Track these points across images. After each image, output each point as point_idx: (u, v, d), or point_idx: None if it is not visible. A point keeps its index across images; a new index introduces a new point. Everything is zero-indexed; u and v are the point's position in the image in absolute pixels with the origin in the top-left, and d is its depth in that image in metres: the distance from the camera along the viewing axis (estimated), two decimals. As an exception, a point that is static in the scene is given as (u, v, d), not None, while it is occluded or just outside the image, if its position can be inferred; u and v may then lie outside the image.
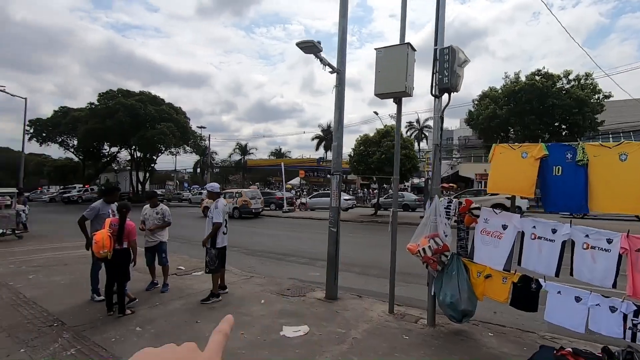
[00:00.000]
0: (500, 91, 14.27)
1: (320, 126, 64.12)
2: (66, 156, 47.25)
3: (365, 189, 44.40)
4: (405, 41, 4.54)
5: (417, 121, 55.89)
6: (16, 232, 11.29)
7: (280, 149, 75.80)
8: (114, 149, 41.46)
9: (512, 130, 15.05)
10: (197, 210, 24.74)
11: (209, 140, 43.61)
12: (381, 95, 4.56)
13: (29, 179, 48.08)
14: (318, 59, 4.89)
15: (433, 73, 4.28)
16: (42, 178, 51.77)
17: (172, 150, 31.55)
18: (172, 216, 6.00)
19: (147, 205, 5.83)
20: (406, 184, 31.97)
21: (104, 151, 41.56)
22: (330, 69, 5.15)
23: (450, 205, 4.21)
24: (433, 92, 4.33)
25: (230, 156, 69.11)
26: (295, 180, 63.45)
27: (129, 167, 44.32)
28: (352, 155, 18.54)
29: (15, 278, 6.55)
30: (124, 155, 44.80)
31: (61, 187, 46.34)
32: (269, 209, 22.21)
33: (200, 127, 43.19)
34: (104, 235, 4.42)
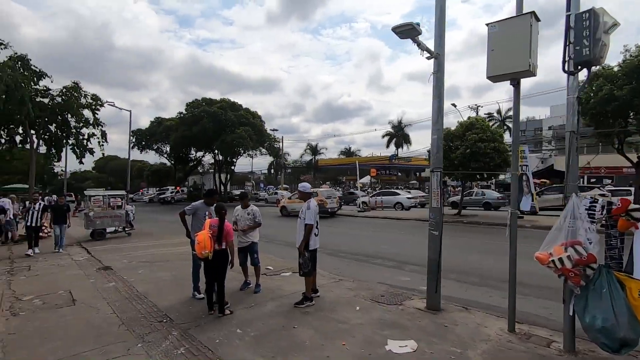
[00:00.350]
0: (618, 68, 12.00)
1: (390, 123, 62.34)
2: (160, 161, 53.26)
3: (442, 186, 41.83)
4: (524, 11, 3.82)
5: (499, 112, 51.09)
6: (125, 229, 12.77)
7: (350, 148, 75.46)
8: (199, 154, 45.51)
9: (632, 114, 12.59)
10: (275, 209, 25.67)
11: (282, 142, 45.34)
12: (496, 77, 3.90)
13: (132, 182, 55.29)
14: (416, 44, 4.40)
15: (566, 45, 3.51)
16: (142, 181, 58.96)
17: (250, 152, 33.38)
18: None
19: (239, 206, 5.93)
20: (491, 181, 29.23)
21: (190, 156, 45.83)
22: (428, 54, 4.62)
23: (595, 206, 3.40)
24: (566, 68, 3.55)
25: (301, 157, 70.77)
26: (365, 179, 62.69)
27: (212, 170, 48.31)
28: (430, 151, 17.38)
29: (128, 272, 7.23)
30: (207, 159, 48.96)
31: (157, 189, 52.32)
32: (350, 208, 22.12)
33: (273, 130, 45.14)
34: (205, 236, 4.52)
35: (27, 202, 10.31)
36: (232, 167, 38.83)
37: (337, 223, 16.92)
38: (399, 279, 6.75)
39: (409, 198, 24.13)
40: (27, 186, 33.82)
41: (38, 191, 13.04)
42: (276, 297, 5.47)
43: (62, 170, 34.90)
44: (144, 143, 43.61)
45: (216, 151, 36.71)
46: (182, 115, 34.72)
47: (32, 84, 11.96)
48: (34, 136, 12.94)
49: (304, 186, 5.35)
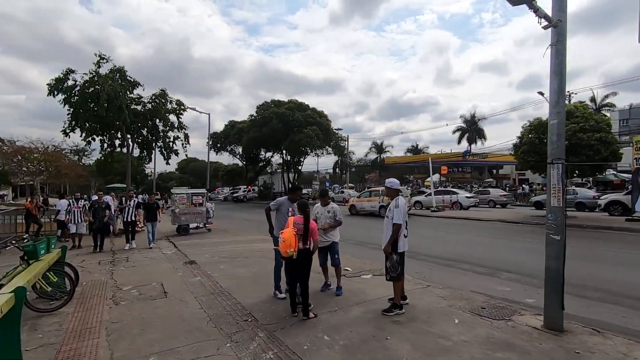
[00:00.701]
0: None
1: (462, 117, 58.47)
2: (234, 162, 56.80)
3: (525, 185, 37.72)
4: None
5: (592, 99, 44.64)
6: (206, 225, 13.53)
7: (417, 145, 72.65)
8: (269, 154, 47.46)
9: None
10: (342, 208, 25.43)
11: (347, 141, 45.04)
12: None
13: (210, 182, 59.89)
14: (532, 10, 3.67)
15: None
16: (217, 181, 63.50)
17: (317, 151, 33.70)
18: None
19: (318, 204, 5.68)
20: (587, 178, 25.40)
21: (261, 156, 48.01)
22: (546, 22, 3.84)
23: None
24: None
25: (366, 155, 69.84)
26: (434, 177, 59.40)
27: (279, 170, 50.07)
28: (519, 144, 15.56)
29: (211, 267, 7.47)
30: (276, 159, 50.84)
31: (231, 188, 55.84)
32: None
33: (337, 129, 45.12)
34: (290, 234, 4.32)
35: (123, 199, 11.41)
36: (299, 167, 39.67)
37: (410, 223, 16.03)
38: (496, 289, 5.92)
39: (467, 197, 23.30)
40: (124, 185, 38.59)
41: (132, 189, 14.40)
42: (360, 301, 5.10)
43: (151, 171, 38.91)
44: (218, 145, 46.77)
45: (284, 151, 37.83)
46: (253, 117, 36.43)
47: (128, 92, 13.26)
48: (129, 140, 14.35)
49: (392, 182, 4.89)
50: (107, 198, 12.28)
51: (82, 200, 11.29)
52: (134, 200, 10.61)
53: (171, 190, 14.86)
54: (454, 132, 58.30)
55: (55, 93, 12.24)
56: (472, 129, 56.99)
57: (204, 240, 11.60)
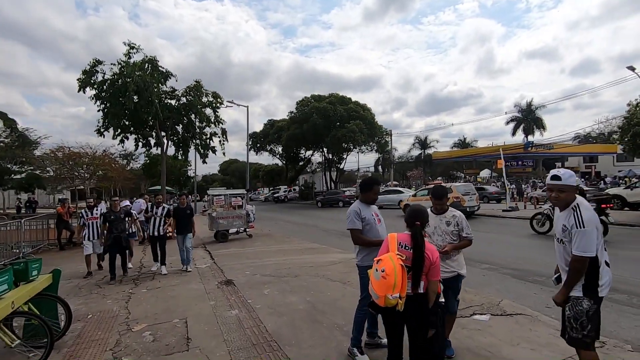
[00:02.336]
0: None
1: (517, 106, 53.59)
2: (273, 162, 56.02)
3: (608, 177, 32.57)
4: None
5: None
6: (246, 230, 11.95)
7: (465, 139, 68.21)
8: (308, 153, 45.96)
9: None
10: (390, 208, 23.10)
11: (391, 136, 42.16)
12: None
13: (250, 182, 59.79)
14: None
15: None
16: (258, 181, 63.24)
17: (362, 148, 31.39)
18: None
19: (429, 210, 3.31)
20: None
21: (301, 155, 46.63)
22: None
23: None
24: None
25: (409, 151, 66.57)
26: (485, 172, 54.91)
27: (319, 169, 48.38)
28: (626, 126, 12.39)
29: (252, 291, 5.68)
30: (315, 157, 49.23)
31: (271, 188, 55.09)
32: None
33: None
34: (395, 264, 2.31)
35: (148, 206, 8.27)
36: (341, 165, 37.56)
37: (483, 226, 13.42)
38: None
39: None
40: (168, 188, 38.97)
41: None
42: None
43: (194, 172, 38.84)
44: (258, 145, 46.02)
45: (325, 149, 36.03)
46: (292, 114, 34.98)
47: (160, 84, 12.02)
48: (164, 137, 13.15)
49: (566, 174, 2.55)
50: (139, 202, 11.07)
51: (97, 209, 7.83)
52: (163, 207, 7.66)
53: (207, 192, 13.54)
54: (507, 122, 53.57)
55: (86, 89, 11.25)
56: (528, 118, 52.02)
57: (244, 248, 9.97)
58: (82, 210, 8.18)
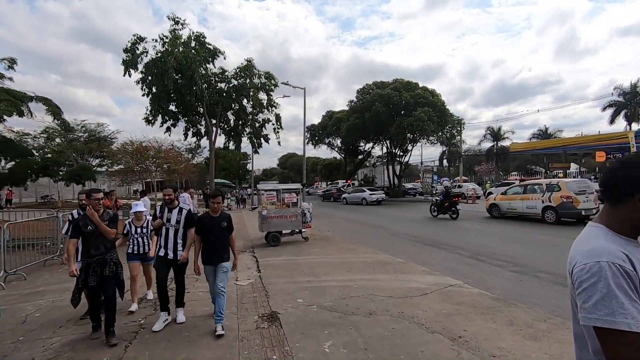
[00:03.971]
0: None
1: (617, 89, 45.23)
2: (332, 156, 54.33)
3: None
4: None
5: None
6: (302, 232, 10.06)
7: (547, 128, 60.13)
8: (368, 146, 43.34)
9: None
10: (470, 208, 19.78)
11: (461, 125, 37.58)
12: None
13: (308, 177, 58.97)
14: None
15: None
16: (316, 175, 62.13)
17: (431, 138, 27.94)
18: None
19: None
20: None
21: (360, 148, 44.20)
22: None
23: None
24: None
25: (479, 143, 60.49)
26: (572, 167, 47.65)
27: (378, 163, 45.42)
28: None
29: (305, 340, 3.64)
30: (376, 151, 46.37)
31: (328, 182, 53.46)
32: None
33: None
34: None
35: (157, 208, 3.89)
36: (405, 158, 34.22)
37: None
38: None
39: (371, 194, 24.99)
40: (227, 182, 39.20)
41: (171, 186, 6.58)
42: None
43: (252, 165, 38.57)
44: (316, 138, 44.53)
45: (388, 141, 33.16)
46: (352, 103, 32.62)
47: (207, 63, 10.56)
48: (212, 125, 11.77)
49: None
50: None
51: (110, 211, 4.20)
52: (181, 211, 4.37)
53: (257, 186, 11.99)
54: (604, 108, 45.49)
55: (131, 72, 10.19)
56: (632, 102, 43.70)
57: (299, 257, 8.05)
58: (73, 212, 4.73)
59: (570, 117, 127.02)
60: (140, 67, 10.24)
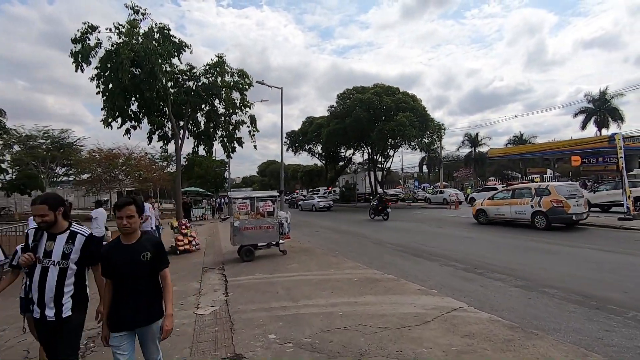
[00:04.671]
0: None
1: (587, 96, 46.97)
2: (313, 163, 53.46)
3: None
4: None
5: None
6: (279, 245, 9.01)
7: (522, 134, 61.66)
8: (349, 152, 42.75)
9: None
10: (453, 214, 19.34)
11: (440, 131, 37.48)
12: None
13: (288, 184, 57.79)
14: None
15: None
16: (296, 182, 60.99)
17: (412, 143, 27.47)
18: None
19: None
20: None
21: (341, 154, 43.54)
22: None
23: None
24: None
25: (457, 149, 61.50)
26: (548, 172, 48.97)
27: (359, 170, 44.88)
28: None
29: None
30: (356, 157, 45.83)
31: (310, 190, 52.44)
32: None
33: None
34: None
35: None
36: (387, 164, 33.68)
37: (591, 243, 9.45)
38: None
39: (319, 200, 27.89)
40: (201, 190, 37.49)
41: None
42: None
43: (229, 173, 37.08)
44: (296, 145, 43.57)
45: (369, 147, 32.59)
46: (332, 108, 31.92)
47: (171, 57, 9.46)
48: (176, 127, 10.61)
49: None
50: (145, 207, 8.55)
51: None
52: (84, 230, 2.63)
53: (228, 194, 10.92)
54: (576, 115, 47.08)
55: (83, 66, 8.92)
56: (602, 109, 45.47)
57: (274, 275, 7.01)
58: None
59: (541, 125, 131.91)
60: (95, 62, 8.95)
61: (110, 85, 9.07)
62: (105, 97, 9.08)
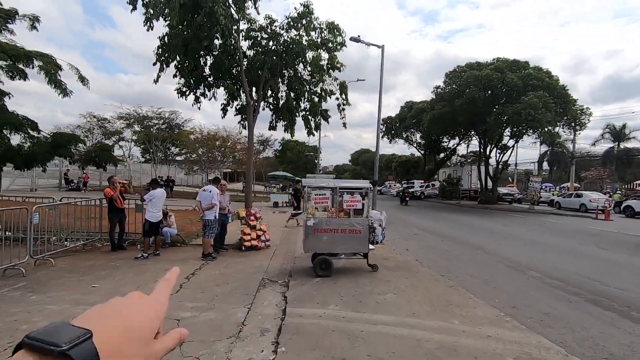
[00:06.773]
0: None
1: None
2: (410, 152, 49.03)
3: None
4: None
5: None
6: (368, 257, 6.38)
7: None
8: (453, 142, 37.36)
9: None
10: (613, 228, 13.89)
11: (575, 122, 29.32)
12: None
13: (381, 174, 54.43)
14: None
15: None
16: (389, 174, 57.13)
17: (546, 130, 21.55)
18: None
19: None
20: None
21: (443, 143, 38.42)
22: None
23: None
24: None
25: (593, 144, 49.73)
26: None
27: (465, 162, 38.84)
28: None
29: None
30: (461, 149, 39.96)
31: (404, 181, 48.29)
32: None
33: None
34: None
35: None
36: (505, 156, 27.61)
37: None
38: None
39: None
40: (288, 175, 36.83)
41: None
42: None
43: (319, 159, 35.75)
44: (392, 132, 39.91)
45: (479, 136, 27.30)
46: (437, 89, 27.45)
47: (243, 4, 7.43)
48: (248, 93, 8.66)
49: None
50: (209, 191, 6.92)
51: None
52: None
53: (301, 181, 8.70)
54: None
55: (153, 23, 7.52)
56: None
57: (357, 313, 4.45)
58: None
59: None
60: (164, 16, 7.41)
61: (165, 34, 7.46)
62: (159, 50, 7.55)
